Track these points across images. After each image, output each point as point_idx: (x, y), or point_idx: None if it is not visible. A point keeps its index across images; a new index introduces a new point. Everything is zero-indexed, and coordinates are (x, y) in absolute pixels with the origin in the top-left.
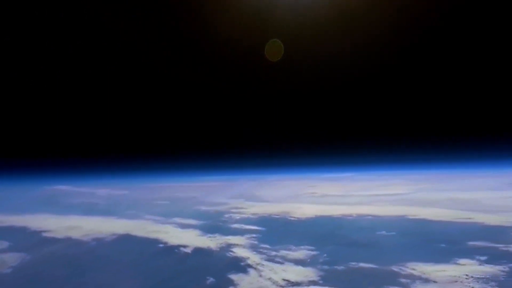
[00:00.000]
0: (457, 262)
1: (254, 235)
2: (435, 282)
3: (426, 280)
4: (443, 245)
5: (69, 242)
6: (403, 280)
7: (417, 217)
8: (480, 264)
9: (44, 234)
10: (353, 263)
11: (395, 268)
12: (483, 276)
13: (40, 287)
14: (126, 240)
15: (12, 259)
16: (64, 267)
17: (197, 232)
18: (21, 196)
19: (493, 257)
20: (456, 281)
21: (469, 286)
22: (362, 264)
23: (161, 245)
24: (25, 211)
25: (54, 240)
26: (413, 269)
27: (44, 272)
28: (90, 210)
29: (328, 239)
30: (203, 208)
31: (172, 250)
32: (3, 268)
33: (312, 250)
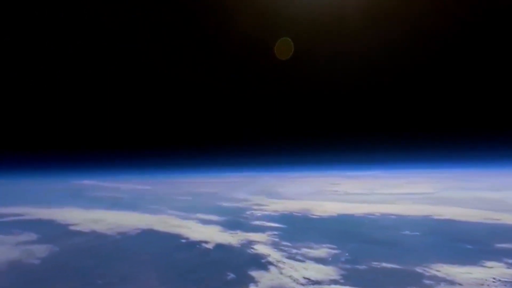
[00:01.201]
0: (484, 264)
1: (275, 232)
2: (460, 284)
3: (451, 282)
4: (469, 246)
5: (94, 235)
6: (427, 282)
7: (442, 217)
8: (508, 267)
9: (71, 227)
10: (376, 263)
11: (419, 269)
12: (511, 280)
13: (66, 277)
14: (149, 234)
15: (40, 250)
16: (89, 259)
17: (218, 228)
18: (49, 190)
19: None
20: (483, 284)
21: None
22: (384, 264)
23: (183, 240)
24: (53, 205)
25: (80, 233)
26: (438, 270)
27: (70, 263)
28: (114, 204)
29: (350, 237)
30: (225, 204)
31: (194, 246)
32: (32, 259)
33: (333, 248)
